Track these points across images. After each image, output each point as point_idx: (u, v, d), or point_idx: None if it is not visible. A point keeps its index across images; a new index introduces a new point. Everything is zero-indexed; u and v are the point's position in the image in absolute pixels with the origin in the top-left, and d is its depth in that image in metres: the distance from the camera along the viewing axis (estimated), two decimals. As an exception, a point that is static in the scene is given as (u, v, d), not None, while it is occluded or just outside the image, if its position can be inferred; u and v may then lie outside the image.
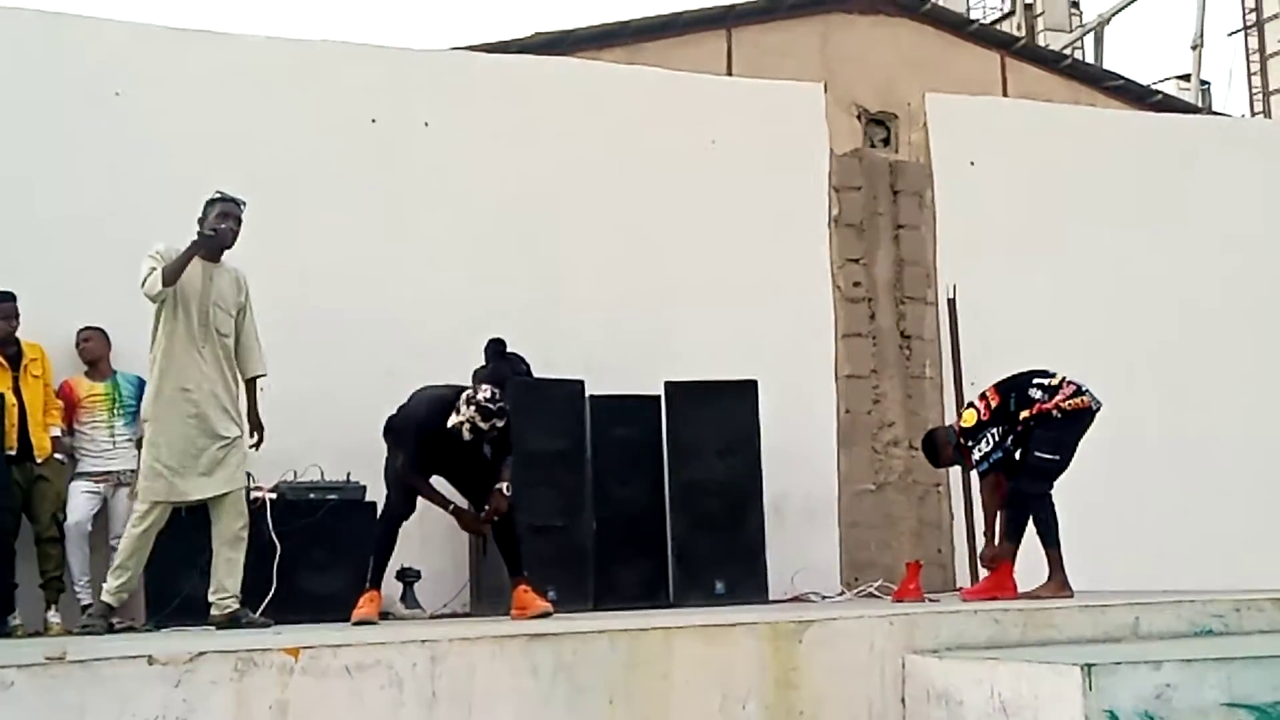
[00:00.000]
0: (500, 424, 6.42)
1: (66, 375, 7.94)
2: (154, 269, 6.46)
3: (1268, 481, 10.27)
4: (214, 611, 6.55)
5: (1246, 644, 4.93)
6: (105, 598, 6.57)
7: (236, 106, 8.68)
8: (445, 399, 6.52)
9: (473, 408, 6.34)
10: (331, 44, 9.25)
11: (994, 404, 7.36)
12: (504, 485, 6.71)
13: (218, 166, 8.40)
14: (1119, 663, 4.18)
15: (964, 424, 7.49)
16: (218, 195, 6.74)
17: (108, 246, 8.14)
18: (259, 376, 6.92)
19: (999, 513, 7.46)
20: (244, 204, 6.78)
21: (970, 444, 7.38)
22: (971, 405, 7.61)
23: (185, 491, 6.53)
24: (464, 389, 6.52)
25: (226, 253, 6.80)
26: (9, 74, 8.28)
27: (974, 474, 7.94)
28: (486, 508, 6.75)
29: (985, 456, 7.34)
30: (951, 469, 8.99)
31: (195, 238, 6.56)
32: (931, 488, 9.89)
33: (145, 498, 6.52)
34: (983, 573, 7.87)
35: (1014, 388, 7.40)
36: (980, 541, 7.93)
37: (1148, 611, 5.39)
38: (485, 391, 6.39)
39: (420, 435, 6.61)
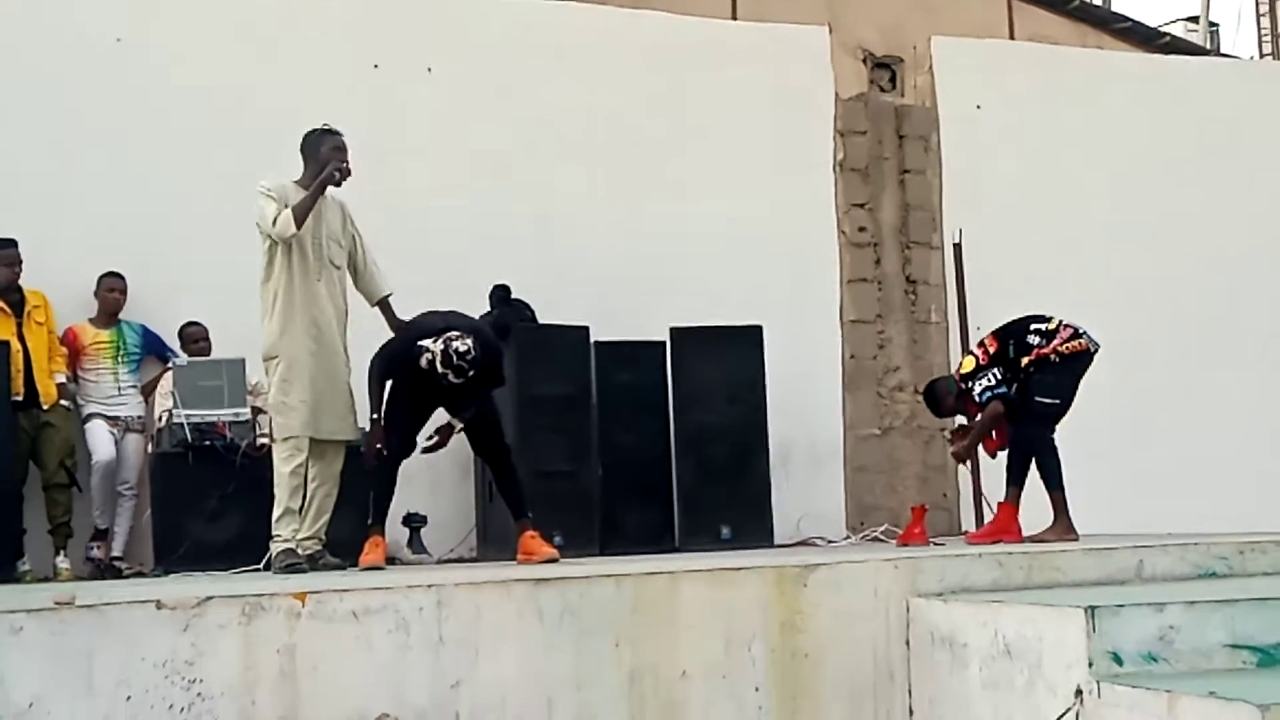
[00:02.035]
0: (457, 380, 6.30)
1: (69, 322, 7.93)
2: (279, 208, 6.37)
3: (1273, 424, 10.27)
4: (297, 545, 6.45)
5: (1250, 586, 4.94)
6: (283, 544, 6.35)
7: (239, 54, 8.62)
8: (433, 331, 6.40)
9: (440, 344, 6.24)
10: (335, -10, 9.18)
11: (992, 350, 7.36)
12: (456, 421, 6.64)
13: (220, 114, 8.42)
14: (1122, 605, 4.19)
15: (963, 370, 7.48)
16: (326, 128, 6.64)
17: (111, 195, 8.15)
18: (389, 295, 6.86)
19: (983, 425, 7.43)
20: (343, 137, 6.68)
21: (970, 385, 7.37)
22: (970, 353, 7.61)
23: (322, 427, 6.46)
24: (455, 324, 6.44)
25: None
26: (8, 23, 8.21)
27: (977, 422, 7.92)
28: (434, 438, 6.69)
29: (988, 388, 7.30)
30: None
31: (322, 175, 6.46)
32: (936, 432, 9.89)
33: (282, 434, 6.41)
34: (987, 515, 7.89)
35: (1011, 334, 7.39)
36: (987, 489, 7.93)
37: (1151, 554, 5.40)
38: (462, 344, 6.25)
39: (390, 360, 6.53)
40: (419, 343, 6.35)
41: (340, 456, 6.63)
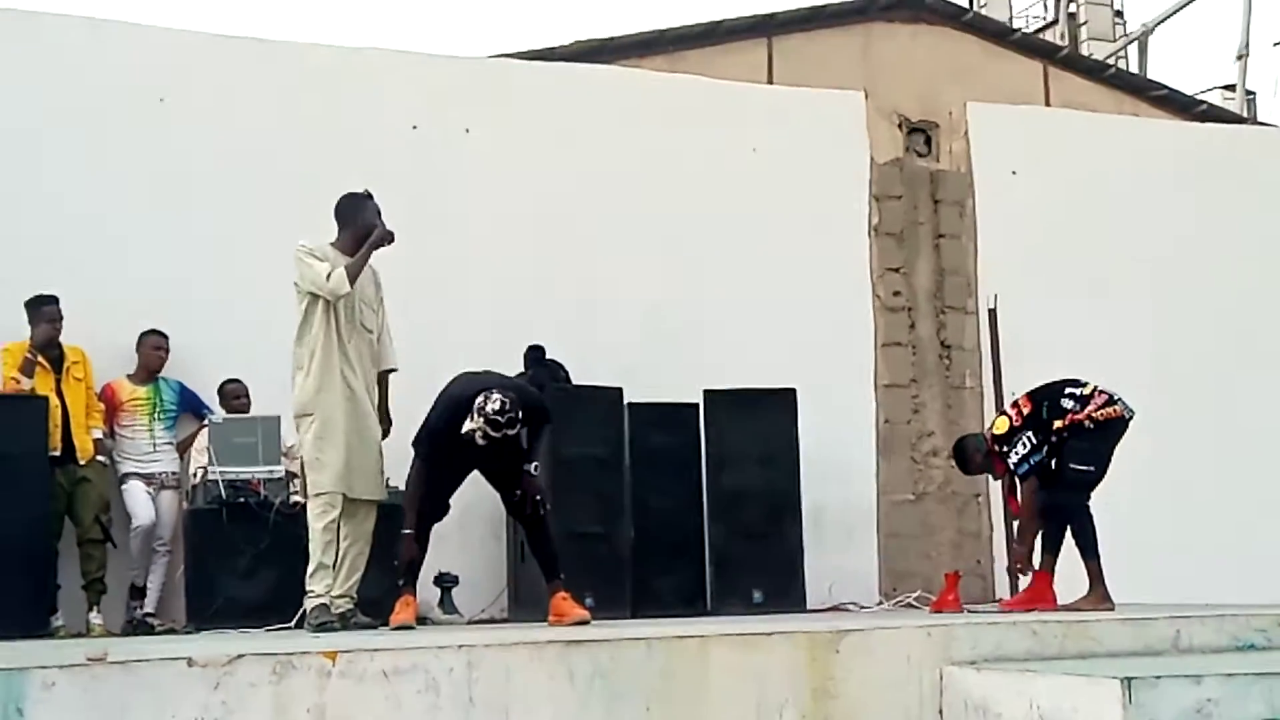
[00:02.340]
0: (512, 432, 6.32)
1: (106, 378, 8.00)
2: (329, 267, 6.44)
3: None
4: (329, 601, 6.45)
5: (1289, 659, 4.88)
6: (316, 600, 6.36)
7: (278, 113, 8.75)
8: (460, 402, 6.45)
9: (481, 418, 6.23)
10: (373, 51, 9.30)
11: (1026, 411, 7.32)
12: (533, 465, 6.61)
13: (259, 173, 8.53)
14: (1159, 676, 4.14)
15: (995, 431, 7.44)
16: (364, 192, 6.73)
17: (150, 252, 8.25)
18: (392, 371, 6.90)
19: (1029, 521, 7.40)
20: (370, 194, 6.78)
21: (1005, 449, 7.33)
22: (1003, 413, 7.56)
23: (355, 486, 6.48)
24: (492, 383, 6.45)
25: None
26: (55, 81, 8.35)
27: (1001, 483, 7.88)
28: (518, 491, 6.66)
29: (1024, 459, 7.28)
30: (987, 479, 8.92)
31: (373, 237, 6.56)
32: (971, 498, 9.85)
33: (316, 490, 6.43)
34: (1022, 583, 7.82)
35: (1046, 396, 7.36)
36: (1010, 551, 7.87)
37: (1189, 625, 5.33)
38: (494, 402, 6.21)
39: (433, 439, 6.57)
40: (464, 414, 6.33)
41: (372, 516, 6.63)
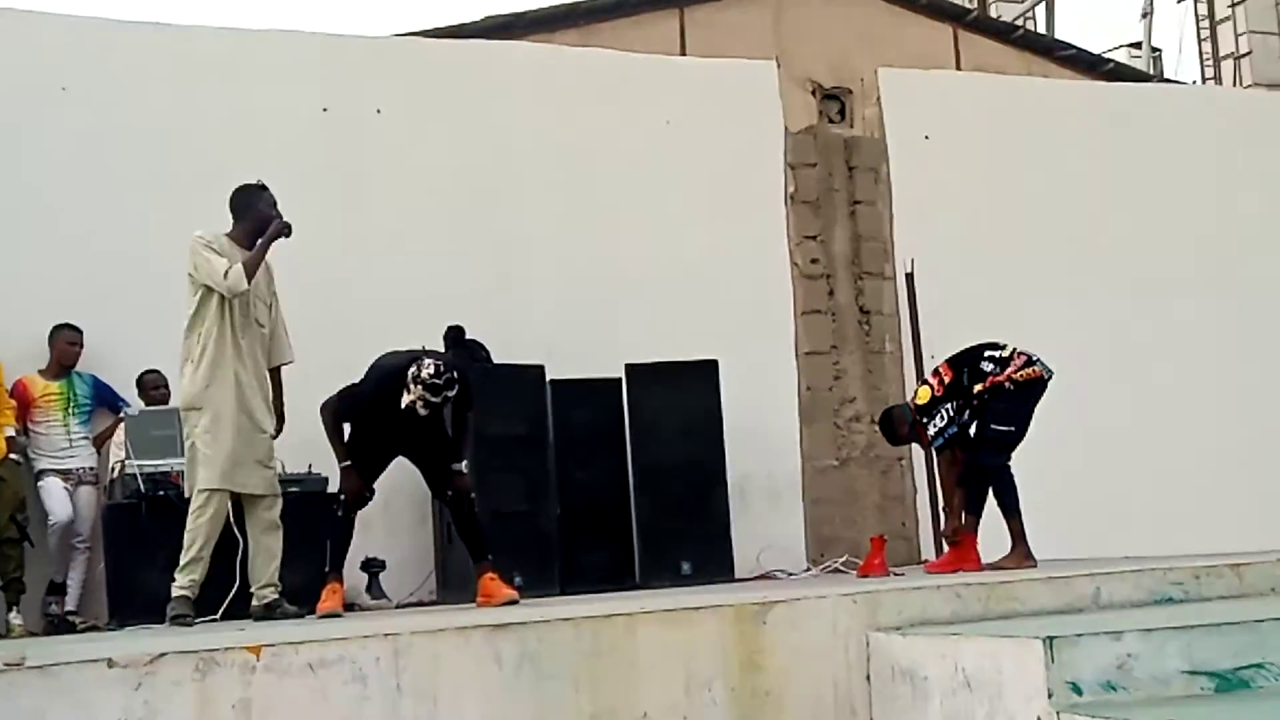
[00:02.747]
0: (451, 394, 6.40)
1: (18, 374, 7.86)
2: (227, 263, 6.36)
3: (1226, 446, 10.36)
4: (254, 603, 6.47)
5: (1206, 611, 4.95)
6: (180, 591, 6.31)
7: (186, 99, 8.62)
8: (396, 368, 6.47)
9: (419, 386, 6.32)
10: (281, 33, 9.17)
11: (947, 380, 7.39)
12: (461, 465, 6.71)
13: (168, 159, 8.40)
14: (1080, 634, 4.18)
15: (918, 401, 7.51)
16: (258, 184, 6.64)
17: (58, 244, 8.10)
18: (286, 364, 6.85)
19: (957, 488, 7.50)
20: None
21: (925, 420, 7.40)
22: (925, 382, 7.63)
23: (242, 481, 6.43)
24: (418, 356, 6.48)
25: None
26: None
27: (932, 450, 7.97)
28: (449, 491, 6.74)
29: (940, 432, 7.37)
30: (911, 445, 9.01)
31: (271, 230, 6.48)
32: (894, 462, 9.92)
33: (204, 485, 6.35)
34: (946, 547, 7.91)
35: (966, 361, 7.43)
36: (942, 518, 7.96)
37: (1108, 581, 5.41)
38: (428, 368, 6.34)
39: (365, 400, 6.58)
40: (400, 382, 6.37)
41: (275, 505, 6.59)
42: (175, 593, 6.30)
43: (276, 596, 6.48)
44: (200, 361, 6.41)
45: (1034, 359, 7.38)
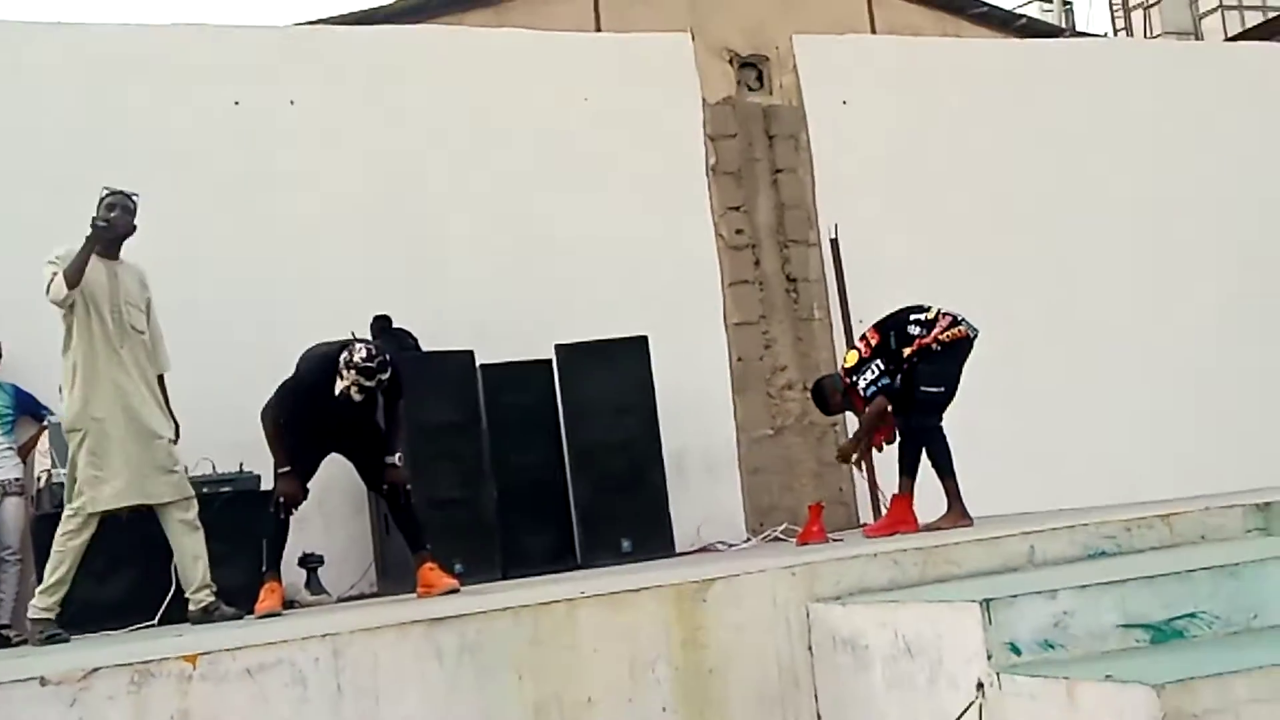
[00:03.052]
0: (385, 376, 6.36)
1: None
2: (55, 273, 6.22)
3: (1154, 394, 10.49)
4: (191, 608, 6.37)
5: (1138, 564, 5.01)
6: (40, 615, 6.21)
7: (95, 97, 8.48)
8: (328, 357, 6.44)
9: (353, 371, 6.30)
10: (188, 27, 9.03)
11: (874, 342, 7.42)
12: (396, 457, 6.68)
13: (78, 159, 8.23)
14: (1015, 595, 4.22)
15: (846, 364, 7.53)
16: (106, 190, 6.48)
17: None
18: (164, 373, 6.72)
19: (871, 419, 7.49)
20: (135, 196, 6.53)
21: (855, 379, 7.43)
22: (853, 347, 7.66)
23: (149, 491, 6.33)
24: (349, 342, 6.44)
25: (125, 250, 6.56)
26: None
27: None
28: (385, 485, 6.71)
29: (872, 382, 7.38)
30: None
31: (87, 236, 6.30)
32: (829, 428, 9.95)
33: (87, 509, 6.23)
34: (883, 509, 7.96)
35: (892, 325, 7.46)
36: (884, 487, 8.00)
37: (1042, 539, 5.46)
38: (360, 351, 6.33)
39: (299, 394, 6.53)
40: (333, 370, 6.34)
41: (190, 508, 6.49)
42: (39, 615, 6.18)
43: (213, 599, 6.41)
44: (74, 382, 6.29)
45: (959, 319, 7.42)
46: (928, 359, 7.36)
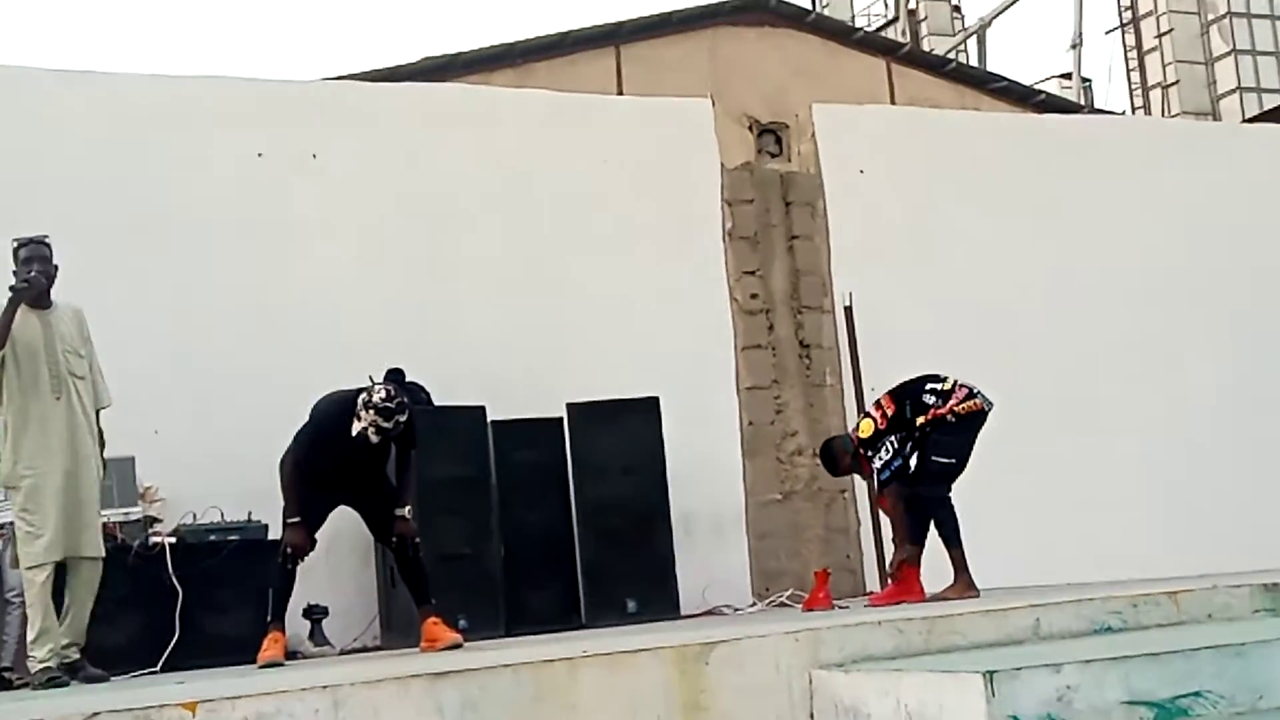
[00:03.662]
0: (403, 419, 6.39)
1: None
2: None
3: (1163, 472, 10.46)
4: (51, 661, 6.19)
5: (1144, 640, 4.98)
6: (43, 665, 6.14)
7: (121, 147, 8.56)
8: (346, 399, 6.46)
9: (371, 411, 6.31)
10: (215, 79, 9.16)
11: (890, 412, 7.44)
12: (405, 510, 6.69)
13: (100, 208, 8.32)
14: (1020, 668, 4.20)
15: (861, 434, 7.54)
16: (17, 242, 6.42)
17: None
18: (103, 408, 6.65)
19: (902, 527, 7.52)
20: (47, 238, 6.45)
21: (870, 453, 7.44)
22: (867, 415, 7.67)
23: (78, 546, 6.29)
24: (366, 387, 6.47)
25: (58, 292, 6.50)
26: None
27: (873, 482, 8.00)
28: (394, 538, 6.71)
29: (886, 464, 7.42)
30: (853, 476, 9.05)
31: (10, 298, 6.24)
32: (837, 495, 9.95)
33: (35, 561, 6.19)
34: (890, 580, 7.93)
35: (908, 394, 7.48)
36: (890, 550, 7.99)
37: (1048, 612, 5.43)
38: (380, 392, 6.36)
39: (316, 437, 6.54)
40: (350, 413, 6.36)
41: (97, 569, 6.42)
42: (38, 667, 6.14)
43: (80, 658, 6.32)
44: (7, 439, 6.26)
45: (975, 391, 7.44)
46: (941, 429, 7.37)
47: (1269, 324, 11.23)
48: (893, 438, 7.37)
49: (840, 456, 7.79)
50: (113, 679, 6.45)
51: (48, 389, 6.30)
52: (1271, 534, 9.98)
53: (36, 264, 6.36)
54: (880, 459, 7.39)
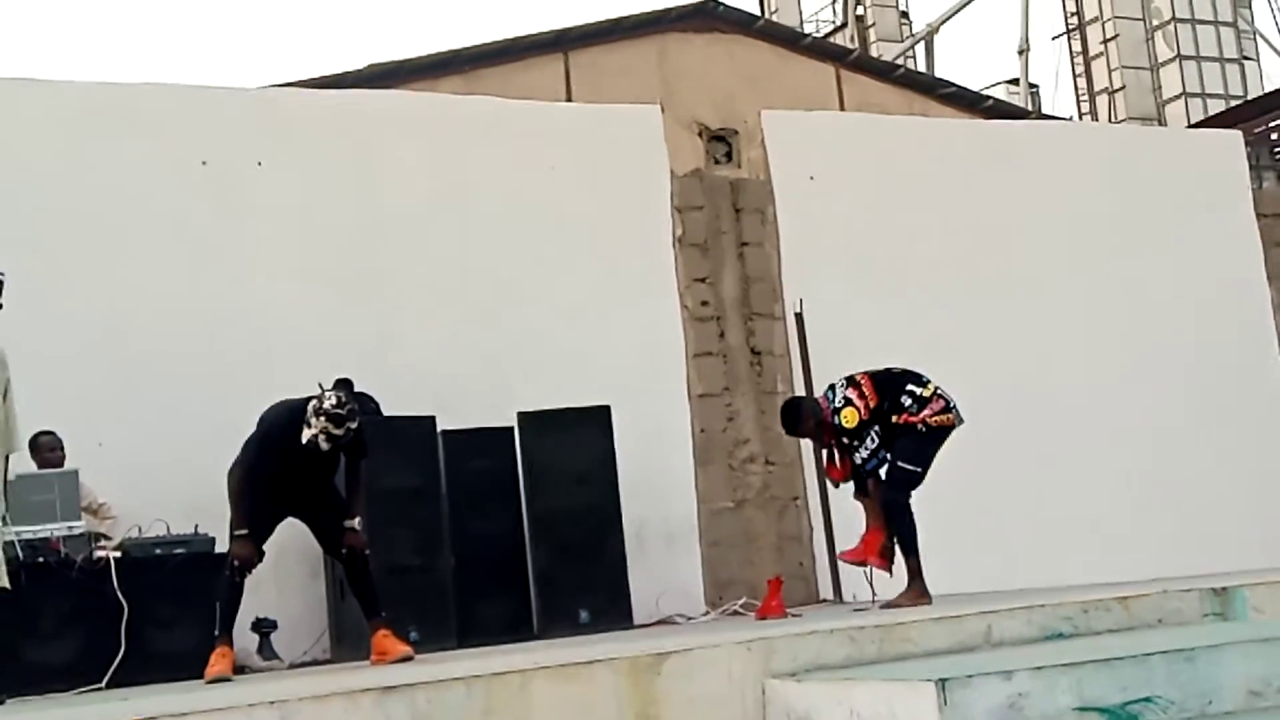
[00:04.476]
0: (354, 425, 6.35)
1: None
2: None
3: (1113, 476, 10.52)
4: None
5: (1095, 645, 5.01)
6: None
7: (62, 154, 8.47)
8: (296, 408, 6.41)
9: (322, 418, 6.29)
10: (158, 86, 9.03)
11: (873, 405, 7.36)
12: (355, 521, 6.64)
13: (43, 216, 8.21)
14: (971, 675, 4.21)
15: (846, 424, 7.40)
16: None
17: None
18: (11, 453, 6.52)
19: (880, 519, 7.49)
20: (3, 273, 6.27)
21: (855, 443, 7.38)
22: (850, 404, 7.46)
23: None
24: (314, 396, 6.41)
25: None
26: None
27: (822, 451, 7.92)
28: (344, 549, 6.65)
29: (873, 454, 7.36)
30: (804, 480, 9.02)
31: None
32: (790, 502, 9.96)
33: None
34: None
35: (889, 389, 7.41)
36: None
37: (999, 619, 5.44)
38: (330, 399, 6.33)
39: (266, 445, 6.49)
40: (300, 421, 6.32)
41: None
42: None
43: None
44: None
45: (951, 405, 7.42)
46: (910, 435, 7.35)
47: (1220, 328, 11.31)
48: (876, 428, 7.34)
49: (805, 419, 7.66)
50: (58, 695, 6.36)
51: None
52: (1220, 537, 10.05)
53: None
54: (866, 448, 7.34)
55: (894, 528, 7.42)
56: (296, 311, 8.73)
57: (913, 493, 7.40)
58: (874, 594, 7.44)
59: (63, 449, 7.76)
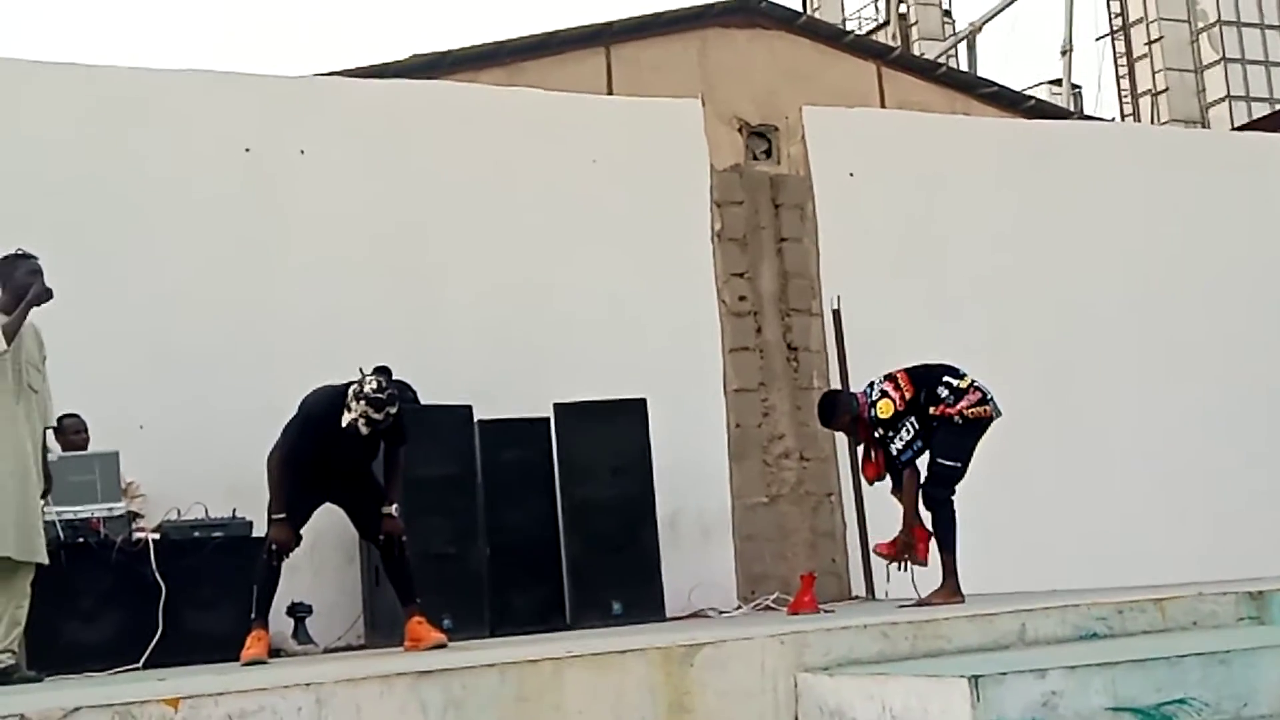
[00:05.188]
0: (394, 410, 6.37)
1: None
2: None
3: (1149, 479, 10.47)
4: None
5: (1129, 646, 4.99)
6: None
7: (104, 140, 8.52)
8: (336, 393, 6.45)
9: (362, 402, 6.29)
10: (203, 73, 9.10)
11: (908, 396, 7.34)
12: (393, 507, 6.67)
13: (85, 202, 8.28)
14: (1004, 673, 4.20)
15: (881, 415, 7.37)
16: (22, 252, 6.42)
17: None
18: (50, 428, 6.68)
19: (913, 510, 7.46)
20: (35, 258, 6.44)
21: (890, 434, 7.35)
22: (886, 395, 7.42)
23: (24, 548, 6.22)
24: (354, 381, 6.44)
25: None
26: None
27: (859, 449, 7.90)
28: (381, 535, 6.69)
29: (908, 445, 7.33)
30: (838, 476, 9.00)
31: (29, 296, 6.26)
32: (824, 498, 9.95)
33: None
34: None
35: (926, 381, 7.40)
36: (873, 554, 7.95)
37: (1033, 618, 5.43)
38: (371, 383, 6.33)
39: (306, 428, 6.52)
40: (341, 405, 6.34)
41: (31, 573, 6.35)
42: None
43: (14, 662, 6.25)
44: None
45: (988, 396, 7.37)
46: (948, 428, 7.31)
47: (1261, 332, 11.23)
48: (912, 418, 7.32)
49: (841, 412, 7.64)
50: (95, 675, 6.41)
51: (11, 394, 6.28)
52: (1257, 542, 9.98)
53: (42, 279, 6.37)
54: (902, 439, 7.30)
55: (934, 524, 7.40)
56: (336, 299, 8.78)
57: (955, 488, 7.37)
58: (918, 594, 7.42)
59: (86, 431, 7.82)
